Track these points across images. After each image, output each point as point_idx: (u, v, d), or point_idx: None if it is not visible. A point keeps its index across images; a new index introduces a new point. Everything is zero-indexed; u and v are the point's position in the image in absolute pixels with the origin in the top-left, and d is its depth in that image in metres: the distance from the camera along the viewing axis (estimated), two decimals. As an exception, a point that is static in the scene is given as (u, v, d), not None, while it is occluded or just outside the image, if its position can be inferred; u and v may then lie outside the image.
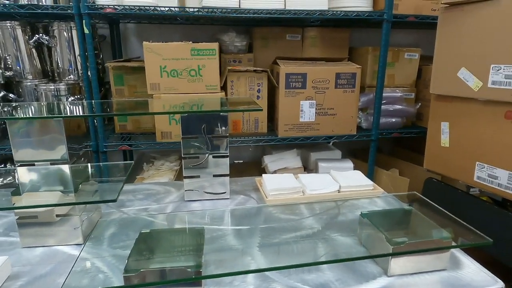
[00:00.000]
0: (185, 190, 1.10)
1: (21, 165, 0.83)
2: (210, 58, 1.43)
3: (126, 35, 1.95)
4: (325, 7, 1.51)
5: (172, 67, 1.42)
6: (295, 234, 0.87)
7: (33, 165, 0.86)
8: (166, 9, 1.37)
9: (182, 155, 1.07)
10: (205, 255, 0.73)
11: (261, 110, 1.01)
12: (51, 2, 1.41)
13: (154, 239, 0.74)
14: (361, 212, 0.80)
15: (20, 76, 1.57)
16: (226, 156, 1.08)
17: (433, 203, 0.87)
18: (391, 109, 1.78)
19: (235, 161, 2.19)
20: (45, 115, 0.89)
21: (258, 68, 1.56)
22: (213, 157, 1.08)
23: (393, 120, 1.80)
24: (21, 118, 0.82)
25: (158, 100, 1.43)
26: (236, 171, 2.03)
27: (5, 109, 0.92)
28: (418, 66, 1.83)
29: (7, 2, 1.39)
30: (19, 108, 0.93)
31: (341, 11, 1.54)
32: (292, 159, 1.81)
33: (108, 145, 1.48)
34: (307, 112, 1.58)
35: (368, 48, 1.77)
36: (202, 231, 0.75)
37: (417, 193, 0.96)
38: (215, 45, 1.43)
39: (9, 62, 1.54)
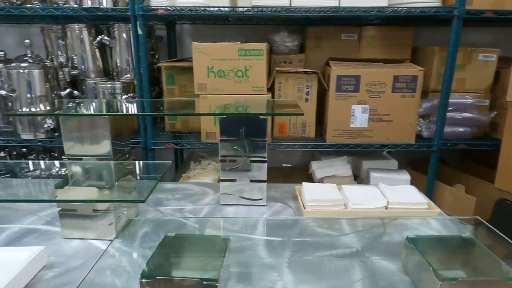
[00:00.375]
0: (221, 194, 1.08)
1: (69, 159, 0.87)
2: (258, 58, 1.40)
3: (182, 36, 2.00)
4: (385, 4, 1.39)
5: (219, 68, 1.42)
6: (331, 252, 0.79)
7: (81, 159, 0.90)
8: (216, 9, 1.37)
9: (220, 157, 1.05)
10: (228, 266, 0.69)
11: (302, 114, 0.94)
12: (111, 5, 1.49)
13: (178, 244, 0.72)
14: (407, 236, 0.70)
15: (84, 75, 1.69)
16: (264, 161, 1.03)
17: (500, 233, 0.73)
18: (458, 117, 1.58)
19: (283, 165, 2.13)
20: (94, 113, 0.93)
21: (308, 70, 1.49)
22: (251, 161, 1.04)
23: (461, 129, 1.60)
24: (71, 115, 0.86)
25: (204, 100, 1.43)
26: (283, 175, 1.98)
27: (70, 105, 0.99)
28: (496, 69, 1.60)
29: (76, 6, 1.50)
30: (78, 105, 0.99)
31: (403, 7, 1.40)
32: (341, 166, 1.70)
33: (156, 142, 1.52)
34: (359, 117, 1.47)
35: (434, 48, 1.59)
36: (227, 241, 0.71)
37: (480, 218, 0.82)
38: (262, 45, 1.39)
39: (75, 62, 1.66)
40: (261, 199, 1.07)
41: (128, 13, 1.37)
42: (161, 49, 1.93)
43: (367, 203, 0.96)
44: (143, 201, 0.76)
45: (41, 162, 1.58)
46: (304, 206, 0.98)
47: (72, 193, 0.84)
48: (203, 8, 1.38)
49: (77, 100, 1.28)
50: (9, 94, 1.49)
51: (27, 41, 1.52)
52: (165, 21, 1.86)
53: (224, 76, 1.43)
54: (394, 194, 0.99)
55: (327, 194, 0.99)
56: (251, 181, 1.05)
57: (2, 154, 1.71)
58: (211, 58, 1.41)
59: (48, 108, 1.55)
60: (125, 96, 1.56)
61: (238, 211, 1.03)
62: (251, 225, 0.93)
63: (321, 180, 1.67)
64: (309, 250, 0.80)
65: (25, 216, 0.96)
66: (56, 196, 0.83)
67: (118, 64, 1.67)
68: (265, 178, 1.04)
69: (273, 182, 1.11)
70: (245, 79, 1.43)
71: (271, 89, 1.52)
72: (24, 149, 1.73)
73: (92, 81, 1.65)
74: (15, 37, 1.94)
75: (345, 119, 1.48)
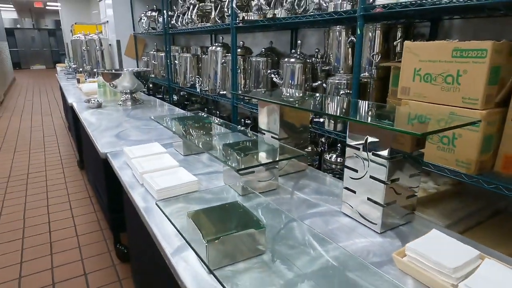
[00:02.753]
0: (342, 201, 1.04)
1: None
2: (477, 61, 1.04)
3: (451, 32, 1.72)
4: None
5: (427, 71, 1.19)
6: None
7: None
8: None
9: (345, 163, 1.01)
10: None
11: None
12: (351, 7, 1.59)
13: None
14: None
15: (335, 70, 1.93)
16: (383, 182, 0.89)
17: None
18: None
19: None
20: (268, 99, 1.20)
21: None
22: (370, 177, 0.92)
23: None
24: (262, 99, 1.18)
25: (405, 107, 1.28)
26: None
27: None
28: None
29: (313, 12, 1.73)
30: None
31: None
32: None
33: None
34: None
35: None
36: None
37: None
38: (487, 44, 1.02)
39: (331, 59, 1.94)
40: (375, 224, 0.93)
41: (347, 15, 1.44)
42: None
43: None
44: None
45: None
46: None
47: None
48: (430, 0, 1.19)
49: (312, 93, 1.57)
50: (278, 81, 2.02)
51: (299, 41, 1.96)
52: (429, 17, 1.69)
53: (430, 81, 1.19)
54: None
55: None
56: (368, 199, 0.94)
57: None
58: (420, 59, 1.21)
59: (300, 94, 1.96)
60: (342, 92, 1.66)
61: (345, 224, 0.97)
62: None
63: None
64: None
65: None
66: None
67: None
68: (381, 201, 0.89)
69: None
70: (455, 87, 1.11)
71: (505, 104, 1.08)
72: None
73: (335, 76, 1.87)
74: (310, 37, 2.48)
75: None
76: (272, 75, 2.20)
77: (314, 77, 2.02)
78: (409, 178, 0.93)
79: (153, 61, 4.38)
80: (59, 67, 5.97)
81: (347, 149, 0.99)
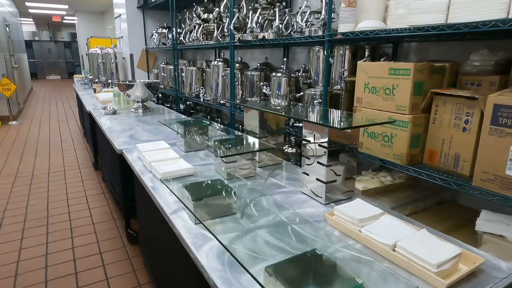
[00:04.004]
0: (301, 183, 1.36)
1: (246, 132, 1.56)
2: (405, 78, 1.38)
3: (408, 53, 2.06)
4: None
5: (373, 85, 1.53)
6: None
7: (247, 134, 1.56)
8: (394, 30, 1.48)
9: (301, 153, 1.34)
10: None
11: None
12: (321, 33, 1.94)
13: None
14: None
15: (315, 84, 2.27)
16: (324, 165, 1.21)
17: None
18: None
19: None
20: (252, 106, 1.54)
21: (470, 95, 1.25)
22: (317, 162, 1.25)
23: None
24: (246, 106, 1.53)
25: (359, 113, 1.61)
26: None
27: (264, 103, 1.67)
28: None
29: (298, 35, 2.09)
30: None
31: None
32: (518, 229, 1.24)
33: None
34: (514, 163, 1.06)
35: None
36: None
37: None
38: (410, 65, 1.35)
39: (311, 73, 2.28)
40: (321, 197, 1.26)
41: (323, 39, 1.79)
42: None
43: (379, 236, 0.94)
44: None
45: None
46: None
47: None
48: (375, 31, 1.53)
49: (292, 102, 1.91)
50: (268, 92, 2.38)
51: (285, 59, 2.32)
52: (392, 40, 2.03)
53: (375, 93, 1.53)
54: (410, 241, 0.88)
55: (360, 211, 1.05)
56: (317, 179, 1.27)
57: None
58: (368, 75, 1.55)
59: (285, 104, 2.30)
60: (316, 101, 2.00)
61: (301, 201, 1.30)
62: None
63: (483, 234, 1.32)
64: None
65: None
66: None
67: (332, 76, 2.11)
68: (324, 179, 1.22)
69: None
70: (391, 97, 1.45)
71: (428, 111, 1.41)
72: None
73: (312, 88, 2.21)
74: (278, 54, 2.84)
75: (498, 162, 1.13)
76: (264, 87, 2.56)
77: (298, 89, 2.37)
78: (347, 163, 1.26)
79: (162, 73, 4.79)
80: (76, 77, 6.44)
81: (303, 142, 1.33)
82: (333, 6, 1.76)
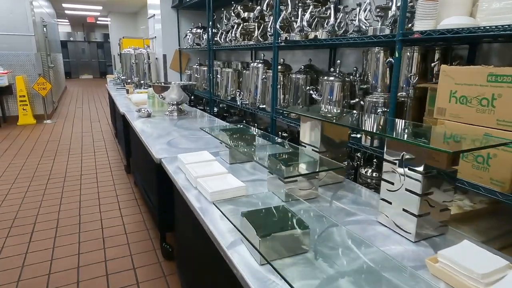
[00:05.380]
0: (379, 211, 1.13)
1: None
2: (511, 86, 1.12)
3: (489, 56, 1.77)
4: None
5: (463, 93, 1.27)
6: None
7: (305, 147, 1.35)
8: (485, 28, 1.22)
9: (382, 176, 1.11)
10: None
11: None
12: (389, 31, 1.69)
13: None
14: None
15: (372, 89, 2.02)
16: (418, 195, 0.98)
17: None
18: None
19: None
20: (306, 115, 1.33)
21: None
22: (406, 189, 1.02)
23: None
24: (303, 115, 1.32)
25: (440, 126, 1.36)
26: None
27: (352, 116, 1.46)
28: None
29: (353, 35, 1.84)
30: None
31: None
32: None
33: (393, 156, 1.61)
34: None
35: None
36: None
37: None
38: (521, 71, 1.09)
39: (369, 78, 2.03)
40: (410, 233, 1.02)
41: (394, 39, 1.55)
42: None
43: None
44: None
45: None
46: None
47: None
48: (467, 29, 1.28)
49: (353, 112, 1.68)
50: (318, 98, 2.15)
51: (338, 61, 2.08)
52: (468, 41, 1.75)
53: (466, 103, 1.27)
54: None
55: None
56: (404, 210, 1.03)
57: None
58: (456, 82, 1.29)
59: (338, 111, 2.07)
60: (380, 110, 1.74)
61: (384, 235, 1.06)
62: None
63: None
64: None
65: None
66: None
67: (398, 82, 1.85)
68: (415, 211, 0.99)
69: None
70: (490, 109, 1.19)
71: (539, 128, 1.14)
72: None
73: (373, 95, 1.96)
74: (351, 56, 2.58)
75: None
76: (311, 92, 2.33)
77: (352, 94, 2.13)
78: (443, 193, 1.02)
79: (196, 75, 4.65)
80: (108, 78, 6.46)
81: (384, 163, 1.09)
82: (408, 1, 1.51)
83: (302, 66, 2.72)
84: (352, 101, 2.08)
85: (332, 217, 1.18)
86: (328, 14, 2.17)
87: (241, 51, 4.42)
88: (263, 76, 2.96)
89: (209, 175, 1.42)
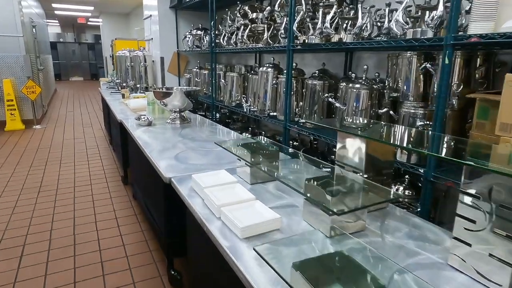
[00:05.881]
0: (450, 252, 0.93)
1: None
2: None
3: (538, 61, 1.60)
4: None
5: (537, 107, 1.08)
6: None
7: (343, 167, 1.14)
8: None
9: (457, 211, 0.91)
10: None
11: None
12: (431, 35, 1.50)
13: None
14: None
15: (404, 97, 1.83)
16: None
17: None
18: None
19: None
20: (347, 131, 1.12)
21: None
22: (494, 232, 0.82)
23: None
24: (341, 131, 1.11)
25: (503, 145, 1.17)
26: None
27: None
28: None
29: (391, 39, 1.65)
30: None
31: None
32: None
33: (438, 176, 1.42)
34: None
35: None
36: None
37: None
38: None
39: (399, 85, 1.84)
40: (501, 286, 0.82)
41: (438, 43, 1.35)
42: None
43: None
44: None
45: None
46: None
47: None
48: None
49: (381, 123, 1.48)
50: (341, 106, 1.95)
51: (365, 66, 1.89)
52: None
53: (541, 119, 1.08)
54: None
55: None
56: (490, 255, 0.83)
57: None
58: (527, 94, 1.10)
59: (364, 121, 1.87)
60: (420, 123, 1.55)
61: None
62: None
63: None
64: None
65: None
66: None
67: (435, 90, 1.66)
68: None
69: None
70: None
71: None
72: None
73: (406, 105, 1.77)
74: (372, 60, 2.40)
75: None
76: (331, 99, 2.13)
77: (379, 103, 1.93)
78: (541, 235, 0.82)
79: (195, 79, 4.42)
80: (101, 81, 6.18)
81: (461, 195, 0.89)
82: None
83: (317, 71, 2.52)
84: (380, 111, 1.89)
85: (390, 257, 0.98)
86: (351, 14, 1.97)
87: (243, 54, 4.21)
88: (274, 82, 2.75)
89: (234, 203, 1.20)
